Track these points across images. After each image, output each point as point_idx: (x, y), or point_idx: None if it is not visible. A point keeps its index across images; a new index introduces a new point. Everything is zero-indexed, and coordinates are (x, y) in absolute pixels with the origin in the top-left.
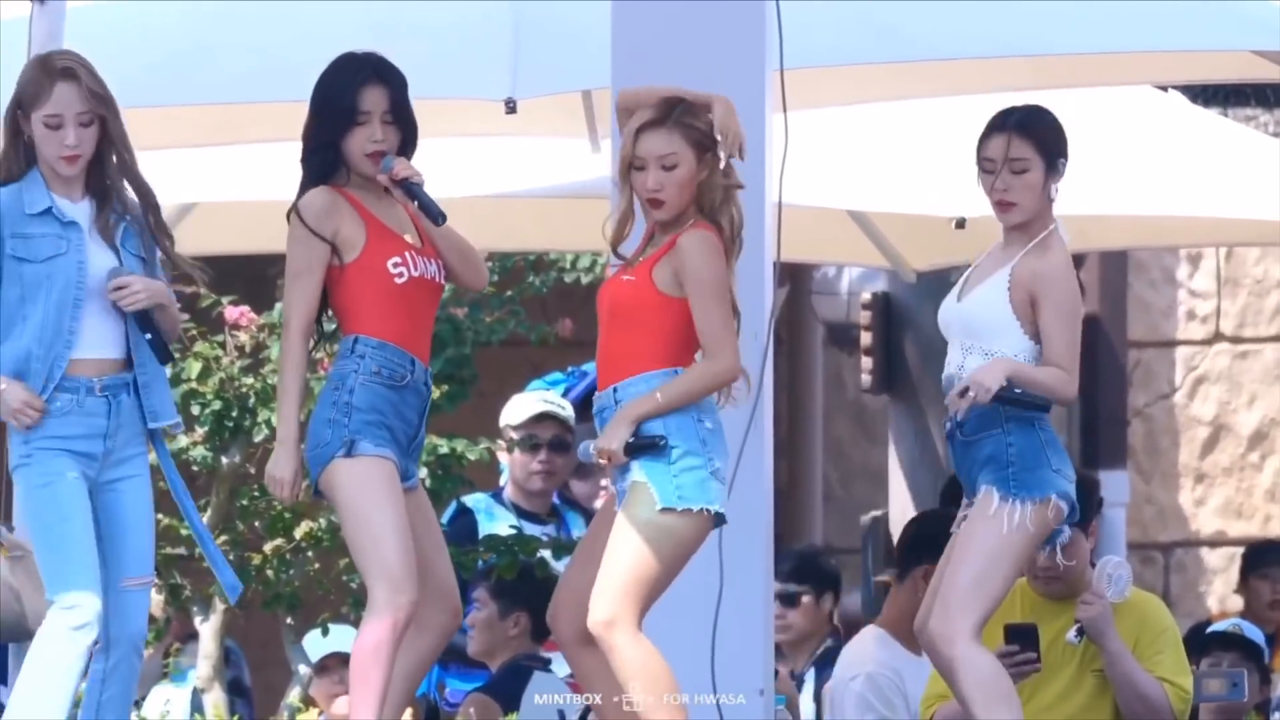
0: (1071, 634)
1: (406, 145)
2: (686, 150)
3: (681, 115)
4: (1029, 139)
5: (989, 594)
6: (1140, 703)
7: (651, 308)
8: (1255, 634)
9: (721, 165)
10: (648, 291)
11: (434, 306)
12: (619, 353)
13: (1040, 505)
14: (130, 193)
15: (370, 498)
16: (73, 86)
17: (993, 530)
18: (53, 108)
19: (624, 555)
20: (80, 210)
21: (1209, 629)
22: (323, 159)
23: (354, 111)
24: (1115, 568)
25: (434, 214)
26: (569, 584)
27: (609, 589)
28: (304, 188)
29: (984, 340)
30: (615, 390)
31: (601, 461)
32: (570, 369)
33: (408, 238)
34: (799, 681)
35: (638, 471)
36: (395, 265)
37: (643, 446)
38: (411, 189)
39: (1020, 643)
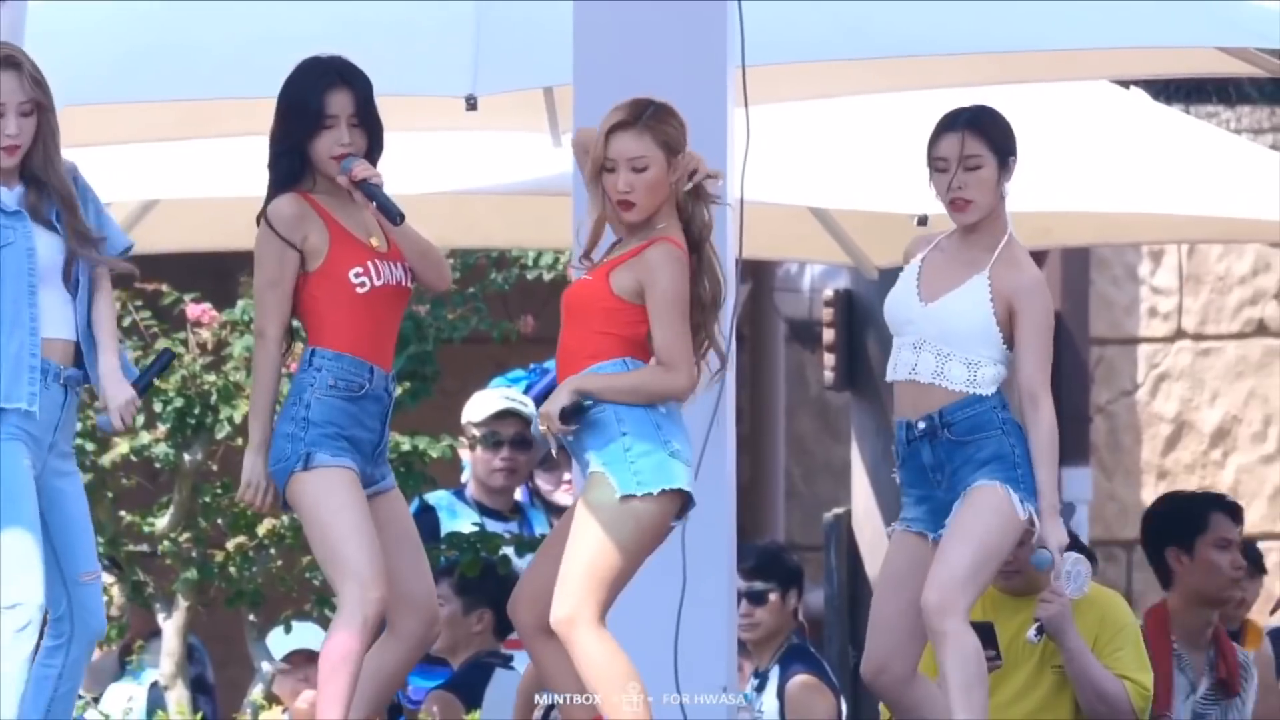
0: (1031, 633)
1: (373, 148)
2: (657, 152)
3: (651, 117)
4: (981, 136)
5: (984, 581)
6: (1100, 700)
7: (604, 309)
8: None
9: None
10: (603, 293)
11: (398, 312)
12: (573, 349)
13: (1031, 510)
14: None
15: (330, 506)
16: (14, 75)
17: (1005, 522)
18: None
19: (584, 548)
20: (15, 197)
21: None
22: (289, 163)
23: (320, 115)
24: (1074, 564)
25: (392, 214)
26: (531, 577)
27: (570, 584)
28: (271, 193)
29: (963, 349)
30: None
31: (543, 430)
32: (532, 366)
33: (374, 242)
34: (763, 679)
35: (596, 462)
36: (357, 275)
37: (574, 410)
38: (370, 190)
39: (980, 636)
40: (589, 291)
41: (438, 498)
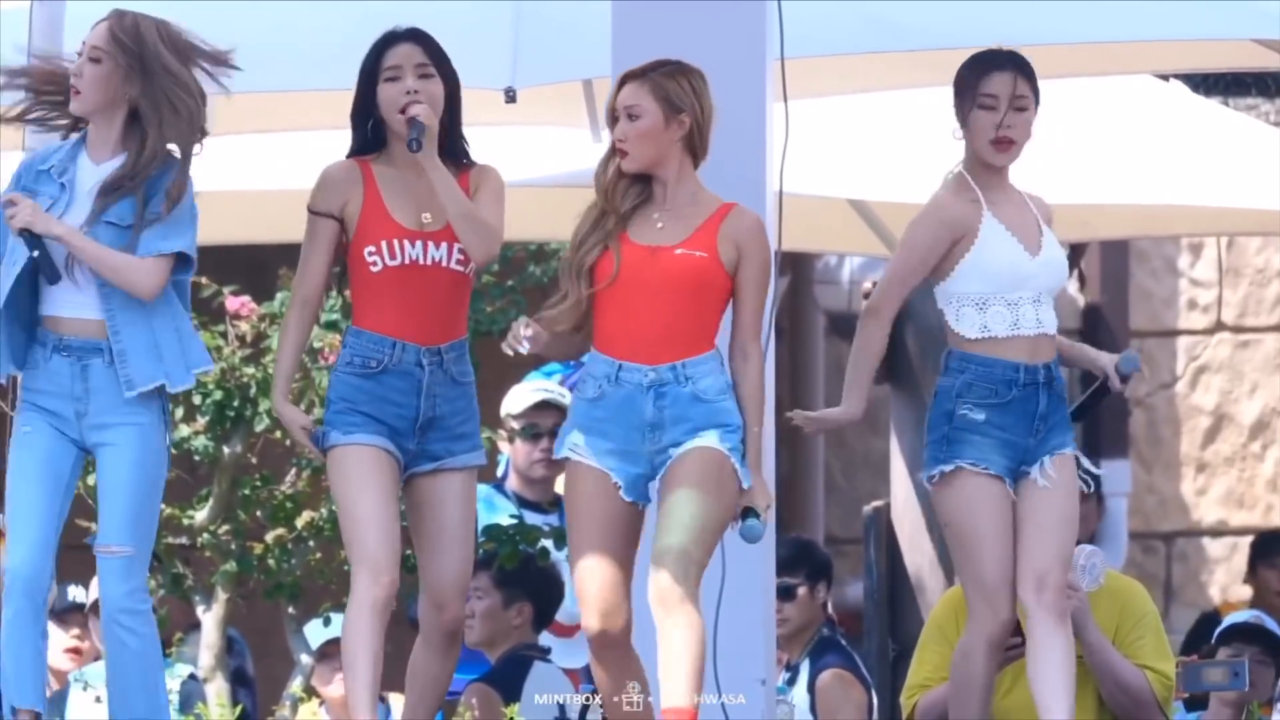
0: None
1: (454, 97)
2: (653, 104)
3: (656, 71)
4: (1028, 80)
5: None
6: (1122, 692)
7: (718, 287)
8: (1275, 627)
9: None
10: (716, 270)
11: (441, 290)
12: (684, 328)
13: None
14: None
15: (342, 489)
16: (104, 26)
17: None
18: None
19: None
20: (92, 171)
21: (1229, 620)
22: (358, 131)
23: (376, 68)
24: (1089, 557)
25: (410, 144)
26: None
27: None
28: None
29: (1054, 295)
30: (684, 366)
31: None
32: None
33: (424, 218)
34: (794, 672)
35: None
36: (370, 254)
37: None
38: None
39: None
40: (701, 267)
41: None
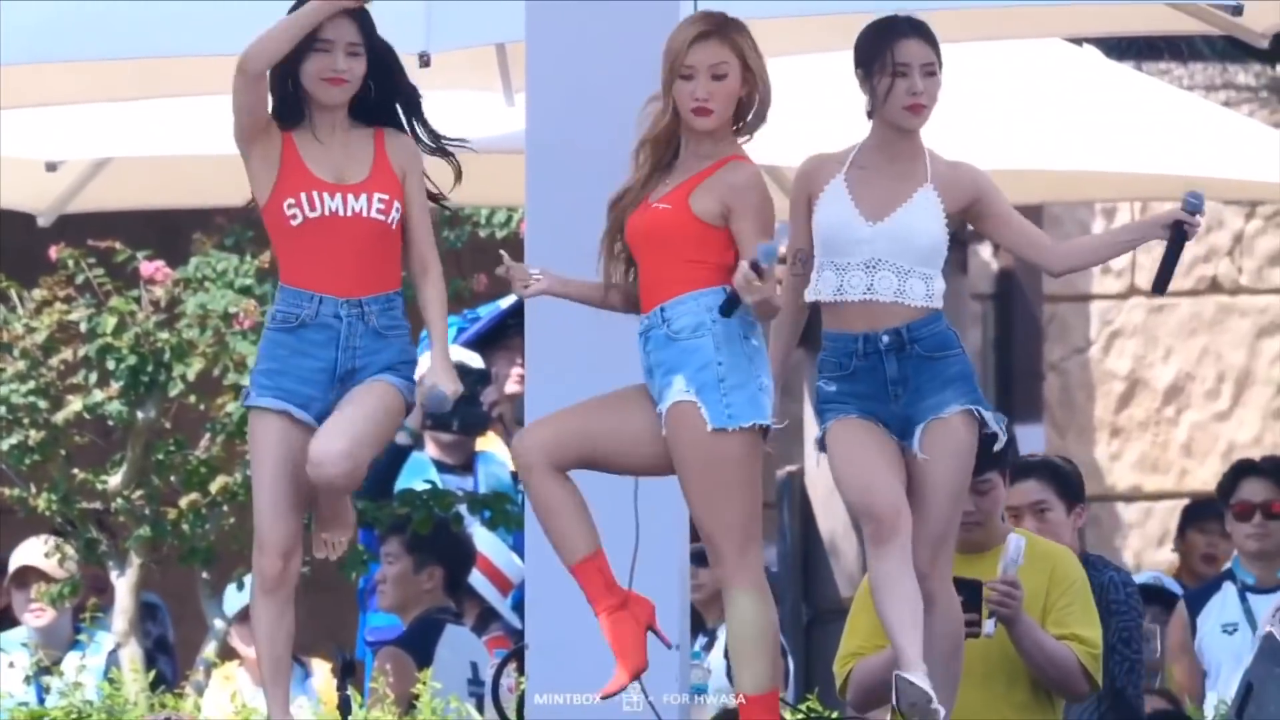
0: (989, 626)
1: (380, 78)
2: (736, 63)
3: (730, 28)
4: (932, 45)
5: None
6: (1051, 668)
7: (692, 236)
8: (1174, 586)
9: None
10: (685, 219)
11: (358, 240)
12: (660, 279)
13: (1003, 424)
14: None
15: (254, 458)
16: None
17: (971, 464)
18: None
19: (718, 511)
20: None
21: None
22: (280, 92)
23: (312, 37)
24: (1013, 547)
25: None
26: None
27: (729, 551)
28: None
29: (921, 264)
30: (663, 310)
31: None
32: (464, 312)
33: (347, 174)
34: (711, 636)
35: (686, 387)
36: (290, 206)
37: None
38: None
39: (965, 597)
40: (668, 219)
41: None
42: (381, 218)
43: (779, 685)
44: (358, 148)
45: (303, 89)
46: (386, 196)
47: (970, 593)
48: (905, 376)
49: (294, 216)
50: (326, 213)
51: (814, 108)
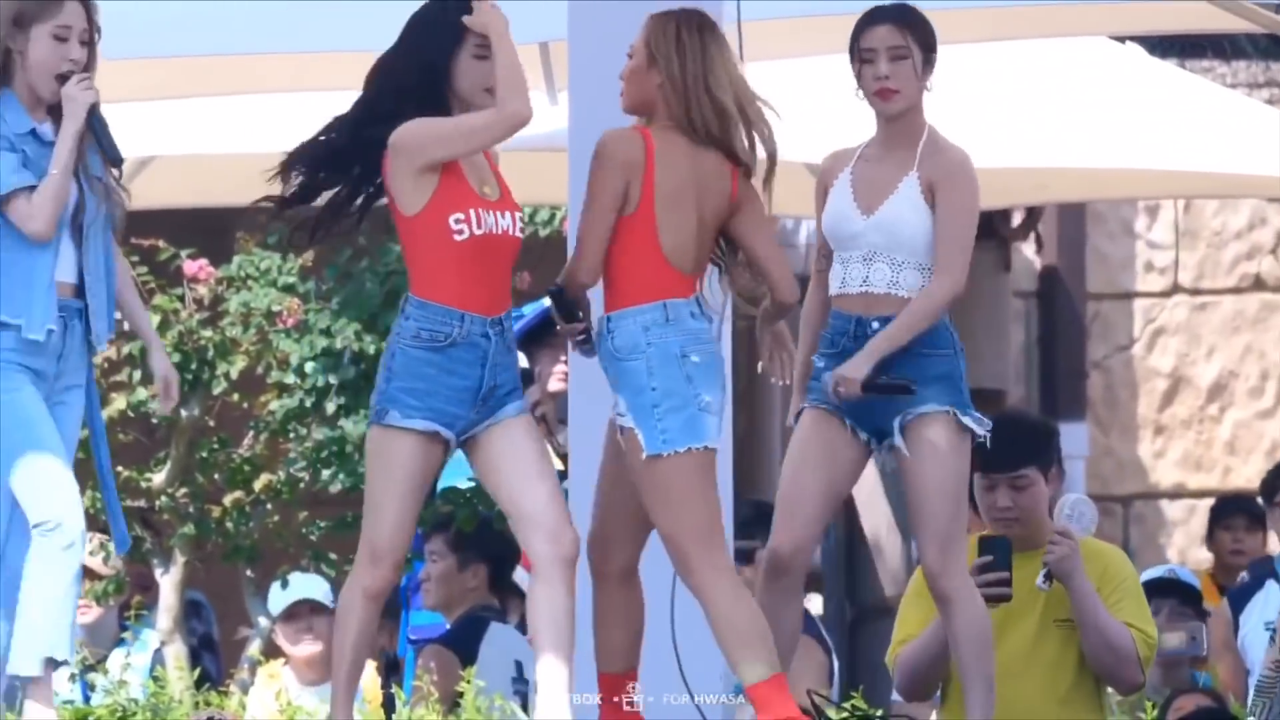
0: (1040, 579)
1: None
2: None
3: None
4: (907, 29)
5: (964, 525)
6: (1107, 649)
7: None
8: (1190, 578)
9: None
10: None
11: (505, 259)
12: (608, 283)
13: (985, 425)
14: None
15: (380, 468)
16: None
17: (961, 456)
18: (64, 19)
19: (668, 522)
20: (50, 131)
21: (1145, 577)
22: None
23: (460, 30)
24: (1076, 504)
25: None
26: (611, 513)
27: (679, 557)
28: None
29: (914, 255)
30: (609, 320)
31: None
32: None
33: (487, 190)
34: None
35: (626, 415)
36: (457, 222)
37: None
38: None
39: (994, 554)
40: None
41: None
42: (520, 235)
43: (779, 668)
44: (481, 163)
45: (460, 100)
46: (518, 214)
47: (999, 551)
48: (890, 367)
49: (460, 232)
50: (488, 230)
51: (859, 107)
